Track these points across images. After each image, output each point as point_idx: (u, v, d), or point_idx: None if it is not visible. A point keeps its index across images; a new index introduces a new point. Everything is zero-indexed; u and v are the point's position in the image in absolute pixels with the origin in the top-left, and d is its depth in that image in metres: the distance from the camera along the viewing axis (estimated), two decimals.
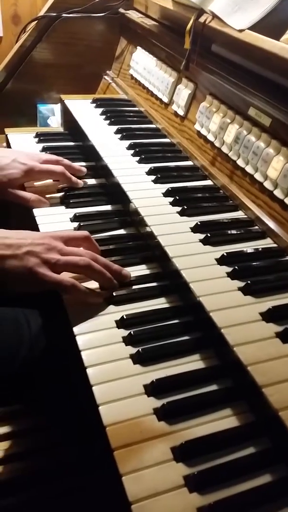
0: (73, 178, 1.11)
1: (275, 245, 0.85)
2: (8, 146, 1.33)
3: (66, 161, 1.13)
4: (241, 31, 0.93)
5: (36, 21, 1.61)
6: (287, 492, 0.56)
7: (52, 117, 1.67)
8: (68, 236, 0.83)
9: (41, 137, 1.33)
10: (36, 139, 1.32)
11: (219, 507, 0.53)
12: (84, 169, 1.16)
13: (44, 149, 1.25)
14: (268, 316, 0.68)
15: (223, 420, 0.63)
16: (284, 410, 0.55)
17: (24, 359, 0.81)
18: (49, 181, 1.11)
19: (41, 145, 1.28)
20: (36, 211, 1.02)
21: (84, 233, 0.85)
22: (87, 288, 0.78)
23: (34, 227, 0.99)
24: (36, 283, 0.76)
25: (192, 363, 0.70)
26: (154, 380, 0.66)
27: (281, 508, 0.54)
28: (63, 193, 1.09)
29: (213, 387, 0.67)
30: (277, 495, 0.55)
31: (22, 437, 0.96)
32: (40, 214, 1.02)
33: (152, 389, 0.65)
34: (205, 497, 0.54)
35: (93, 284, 0.80)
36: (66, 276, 0.78)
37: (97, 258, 0.81)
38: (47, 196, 1.07)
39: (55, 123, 1.62)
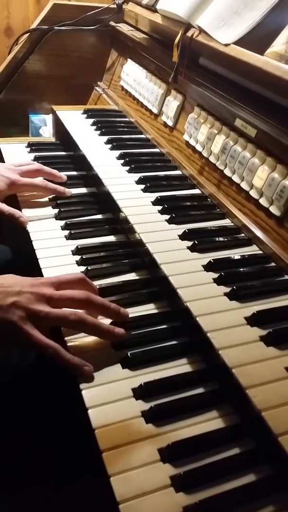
0: (59, 188, 1.12)
1: (260, 252, 0.87)
2: (0, 155, 1.35)
3: (47, 169, 1.14)
4: (227, 45, 0.96)
5: (28, 34, 1.64)
6: (271, 490, 0.57)
7: (44, 127, 1.69)
8: (59, 281, 0.76)
9: (33, 146, 1.35)
10: (28, 149, 1.35)
11: (204, 506, 0.55)
12: (65, 177, 1.16)
13: (36, 159, 1.27)
14: (253, 320, 0.70)
15: (208, 422, 0.64)
16: (267, 410, 0.57)
17: (16, 366, 0.82)
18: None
19: (33, 154, 1.30)
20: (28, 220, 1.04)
21: (79, 275, 0.78)
22: (71, 357, 0.70)
23: (26, 237, 1.00)
24: (20, 339, 0.69)
25: (179, 367, 0.72)
26: (142, 384, 0.68)
27: (265, 506, 0.56)
28: (54, 202, 1.11)
29: (199, 390, 0.68)
30: (261, 494, 0.57)
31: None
32: (32, 222, 1.03)
33: (140, 392, 0.67)
34: (191, 496, 0.56)
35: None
36: (47, 339, 0.70)
37: (92, 300, 0.74)
38: (38, 203, 1.09)
39: (47, 133, 1.64)
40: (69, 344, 0.74)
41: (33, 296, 0.71)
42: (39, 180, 1.10)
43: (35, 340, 0.69)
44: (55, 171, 1.16)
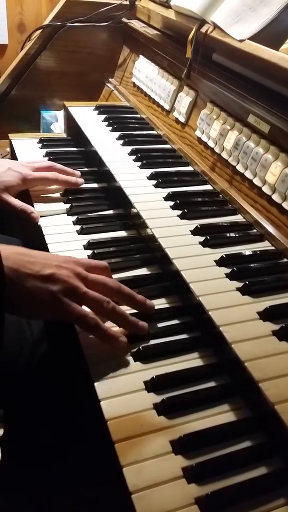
0: (71, 179, 1.12)
1: (272, 247, 0.87)
2: (12, 151, 1.36)
3: (59, 166, 1.14)
4: (241, 41, 0.96)
5: (41, 30, 1.65)
6: (282, 483, 0.57)
7: (55, 123, 1.70)
8: (89, 265, 0.77)
9: (45, 142, 1.36)
10: (40, 145, 1.35)
11: (216, 497, 0.55)
12: (78, 173, 1.16)
13: (48, 154, 1.28)
14: (265, 315, 0.70)
15: (220, 415, 0.65)
16: (280, 403, 0.57)
17: (26, 361, 0.83)
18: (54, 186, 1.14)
19: (45, 150, 1.31)
20: (40, 214, 1.04)
21: (104, 263, 0.79)
22: (109, 331, 0.72)
23: (37, 230, 1.01)
24: (57, 311, 0.70)
25: (191, 360, 0.72)
26: (154, 377, 0.68)
27: (276, 498, 0.56)
28: (65, 197, 1.11)
29: (211, 384, 0.69)
30: (272, 487, 0.57)
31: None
32: (44, 217, 1.04)
33: (152, 385, 0.67)
34: (203, 487, 0.56)
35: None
36: (90, 312, 0.71)
37: (122, 289, 0.76)
38: (50, 197, 1.10)
39: (58, 129, 1.65)
40: (81, 335, 0.74)
41: (70, 272, 0.71)
42: (49, 173, 1.11)
43: (76, 312, 0.69)
44: (67, 168, 1.16)
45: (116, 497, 0.59)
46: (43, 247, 0.95)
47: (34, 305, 0.70)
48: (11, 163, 1.11)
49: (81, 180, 1.14)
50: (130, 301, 0.76)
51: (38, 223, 1.02)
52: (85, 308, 0.71)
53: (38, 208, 1.06)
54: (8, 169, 1.06)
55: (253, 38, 0.94)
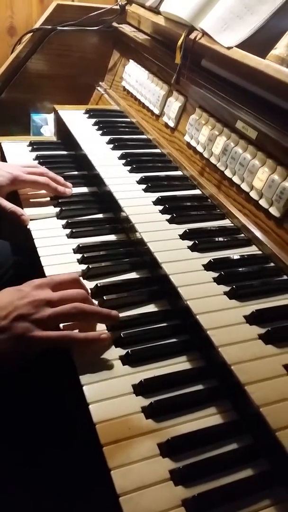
0: (59, 188, 1.12)
1: (259, 252, 0.88)
2: (2, 154, 1.36)
3: (52, 174, 1.14)
4: (229, 48, 0.97)
5: (31, 33, 1.65)
6: (267, 485, 0.58)
7: (45, 126, 1.70)
8: (55, 282, 0.77)
9: (35, 145, 1.36)
10: (30, 148, 1.35)
11: (203, 498, 0.56)
12: (70, 185, 1.16)
13: (38, 158, 1.28)
14: (252, 319, 0.71)
15: (207, 418, 0.66)
16: (265, 406, 0.58)
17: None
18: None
19: (35, 153, 1.31)
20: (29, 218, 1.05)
21: (72, 275, 0.81)
22: (87, 336, 0.73)
23: (27, 233, 1.01)
24: (31, 348, 0.71)
25: (179, 364, 0.73)
26: (142, 380, 0.69)
27: (261, 499, 0.57)
28: (55, 201, 1.12)
29: (198, 387, 0.70)
30: (258, 488, 0.58)
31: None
32: (34, 220, 1.04)
33: (140, 388, 0.68)
34: (190, 489, 0.57)
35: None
36: (59, 331, 0.73)
37: (88, 299, 0.77)
38: (40, 202, 1.10)
39: (48, 132, 1.66)
40: None
41: (32, 305, 0.72)
42: (41, 178, 1.11)
43: (48, 339, 0.70)
44: (60, 178, 1.15)
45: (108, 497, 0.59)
46: (33, 249, 0.96)
47: (13, 356, 0.70)
48: (2, 164, 1.12)
49: (69, 190, 1.14)
50: (95, 318, 0.77)
51: (28, 227, 1.02)
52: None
53: (28, 212, 1.06)
54: None
55: (241, 45, 0.96)
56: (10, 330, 0.69)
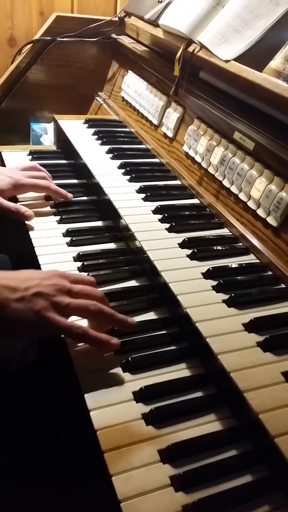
0: (61, 190, 1.14)
1: (257, 260, 0.90)
2: (2, 162, 1.38)
3: (52, 181, 1.16)
4: (227, 61, 0.99)
5: (31, 44, 1.67)
6: (266, 491, 0.59)
7: (45, 135, 1.72)
8: (75, 278, 0.79)
9: (35, 154, 1.38)
10: (30, 157, 1.37)
11: (203, 504, 0.57)
12: (71, 195, 1.17)
13: None
14: (250, 326, 0.72)
15: (207, 425, 0.67)
16: (264, 413, 0.59)
17: (18, 363, 0.84)
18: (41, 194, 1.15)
19: (35, 162, 1.32)
20: (29, 226, 1.06)
21: (90, 278, 0.82)
22: (99, 336, 0.73)
23: (25, 245, 1.02)
24: (44, 328, 0.71)
25: (178, 371, 0.74)
26: (143, 387, 0.70)
27: (261, 505, 0.58)
28: (55, 209, 1.13)
29: (198, 394, 0.71)
30: (257, 494, 0.59)
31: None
32: (34, 229, 1.06)
33: (141, 395, 0.69)
34: (190, 495, 0.58)
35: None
36: (75, 322, 0.74)
37: (105, 300, 0.78)
38: (40, 210, 1.11)
39: (47, 141, 1.67)
40: (70, 346, 0.76)
41: (54, 287, 0.73)
42: (41, 181, 1.13)
43: (62, 325, 0.71)
44: (59, 188, 1.16)
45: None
46: (32, 261, 0.97)
47: (22, 327, 0.71)
48: (2, 169, 1.13)
49: (70, 194, 1.16)
50: (111, 321, 0.77)
51: (28, 233, 1.03)
52: (73, 318, 0.73)
53: (27, 221, 1.07)
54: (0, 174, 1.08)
55: (239, 58, 0.98)
56: (28, 302, 0.70)
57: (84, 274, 0.91)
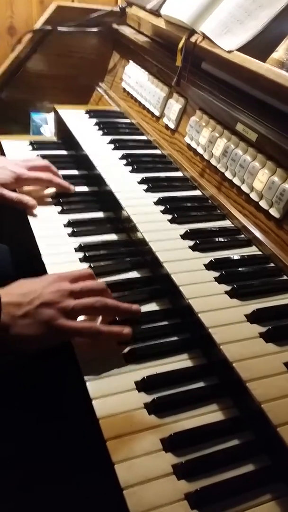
0: (63, 183, 1.14)
1: (260, 252, 0.90)
2: (2, 152, 1.37)
3: (54, 168, 1.16)
4: (230, 52, 0.98)
5: (31, 33, 1.66)
6: (268, 480, 0.60)
7: (45, 125, 1.71)
8: (73, 276, 0.79)
9: (35, 145, 1.37)
10: (30, 147, 1.36)
11: (205, 493, 0.57)
12: (73, 187, 1.17)
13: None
14: (253, 317, 0.73)
15: (209, 414, 0.67)
16: (266, 402, 0.59)
17: (17, 359, 0.84)
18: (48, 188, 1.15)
19: (35, 152, 1.32)
20: (31, 217, 1.06)
21: (87, 271, 0.82)
22: (112, 329, 0.75)
23: (26, 236, 1.02)
24: (56, 336, 0.72)
25: (181, 361, 0.75)
26: (145, 377, 0.70)
27: (262, 494, 0.58)
28: (56, 200, 1.13)
29: (200, 384, 0.71)
30: (258, 483, 0.59)
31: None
32: (35, 220, 1.05)
33: (143, 385, 0.69)
34: (192, 484, 0.58)
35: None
36: (84, 322, 0.75)
37: (106, 291, 0.79)
38: (41, 201, 1.11)
39: (48, 132, 1.66)
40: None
41: (57, 294, 0.73)
42: (44, 174, 1.12)
43: (73, 329, 0.71)
44: (58, 178, 1.16)
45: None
46: (33, 252, 0.96)
47: (29, 342, 0.71)
48: (5, 162, 1.12)
49: (73, 187, 1.15)
50: (116, 312, 0.78)
51: (30, 223, 1.03)
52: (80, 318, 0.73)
53: (28, 212, 1.07)
54: (2, 167, 1.08)
55: (241, 49, 0.97)
56: (35, 316, 0.70)
57: (84, 265, 0.91)
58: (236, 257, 0.87)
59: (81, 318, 0.77)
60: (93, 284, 0.78)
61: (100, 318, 0.78)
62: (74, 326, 0.72)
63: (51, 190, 1.15)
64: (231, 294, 0.77)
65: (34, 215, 1.06)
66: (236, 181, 0.99)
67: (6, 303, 0.69)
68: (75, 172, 1.28)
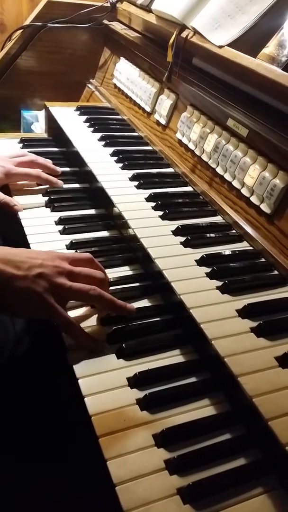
0: (52, 179, 1.14)
1: (251, 248, 0.90)
2: None
3: (41, 160, 1.16)
4: (220, 47, 0.98)
5: (21, 30, 1.64)
6: (259, 473, 0.60)
7: (36, 123, 1.70)
8: (73, 258, 0.78)
9: (26, 142, 1.36)
10: (21, 145, 1.35)
11: (197, 487, 0.57)
12: (59, 169, 1.19)
13: None
14: (244, 312, 0.73)
15: (201, 409, 0.67)
16: (258, 396, 0.59)
17: (8, 357, 0.84)
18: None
19: (26, 150, 1.31)
20: (21, 214, 1.05)
21: (88, 255, 0.81)
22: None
23: (18, 226, 1.02)
24: (43, 311, 0.71)
25: (172, 357, 0.75)
26: (137, 373, 0.70)
27: (254, 488, 0.58)
28: (47, 197, 1.12)
29: (192, 379, 0.71)
30: (250, 477, 0.60)
31: None
32: (26, 217, 1.05)
33: (135, 381, 0.69)
34: (184, 478, 0.58)
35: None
36: (71, 317, 0.74)
37: (107, 281, 0.79)
38: (32, 198, 1.11)
39: (38, 129, 1.65)
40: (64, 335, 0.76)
41: (55, 269, 0.73)
42: (32, 170, 1.12)
43: (59, 315, 0.71)
44: (49, 162, 1.18)
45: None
46: (24, 245, 0.96)
47: (20, 305, 0.71)
48: None
49: (61, 181, 1.16)
50: (110, 306, 0.78)
51: (19, 216, 1.03)
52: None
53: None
54: None
55: (232, 44, 0.97)
56: (31, 283, 0.69)
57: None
58: (227, 252, 0.87)
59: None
60: (94, 272, 0.78)
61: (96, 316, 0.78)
62: (63, 315, 0.71)
63: (42, 186, 1.15)
64: (222, 289, 0.77)
65: (25, 214, 1.06)
66: (227, 176, 0.99)
67: (6, 259, 0.70)
68: (66, 169, 1.27)
